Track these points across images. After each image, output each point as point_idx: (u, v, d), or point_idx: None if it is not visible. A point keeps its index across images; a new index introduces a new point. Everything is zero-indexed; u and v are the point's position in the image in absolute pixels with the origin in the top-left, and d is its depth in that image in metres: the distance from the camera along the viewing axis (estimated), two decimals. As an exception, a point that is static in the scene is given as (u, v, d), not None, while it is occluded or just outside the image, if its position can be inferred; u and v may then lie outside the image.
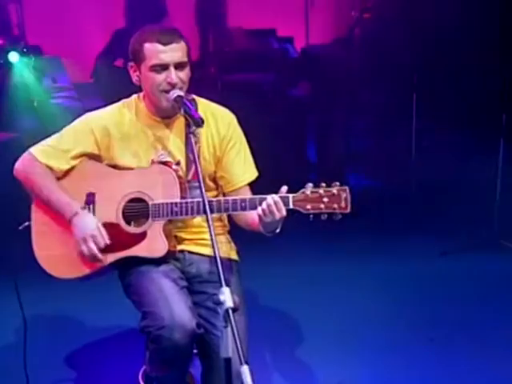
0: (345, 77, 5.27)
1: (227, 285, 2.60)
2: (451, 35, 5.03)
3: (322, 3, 7.97)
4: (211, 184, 2.65)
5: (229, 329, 2.10)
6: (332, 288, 4.22)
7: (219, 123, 2.63)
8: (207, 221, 2.20)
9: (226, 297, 2.13)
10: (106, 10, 6.42)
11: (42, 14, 7.49)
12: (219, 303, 2.14)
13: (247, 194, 2.59)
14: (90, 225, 2.48)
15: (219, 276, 2.15)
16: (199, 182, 2.27)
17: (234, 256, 2.73)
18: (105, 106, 2.66)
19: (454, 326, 3.73)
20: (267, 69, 5.95)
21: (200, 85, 6.37)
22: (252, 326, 3.73)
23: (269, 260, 4.51)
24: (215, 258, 2.16)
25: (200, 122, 2.35)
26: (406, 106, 4.97)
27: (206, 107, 2.64)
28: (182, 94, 2.46)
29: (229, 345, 2.10)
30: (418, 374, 3.31)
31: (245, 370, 2.04)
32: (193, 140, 2.36)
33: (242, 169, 2.65)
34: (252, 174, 2.68)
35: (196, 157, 2.32)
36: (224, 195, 2.64)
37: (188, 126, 2.38)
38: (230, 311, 2.10)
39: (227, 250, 2.70)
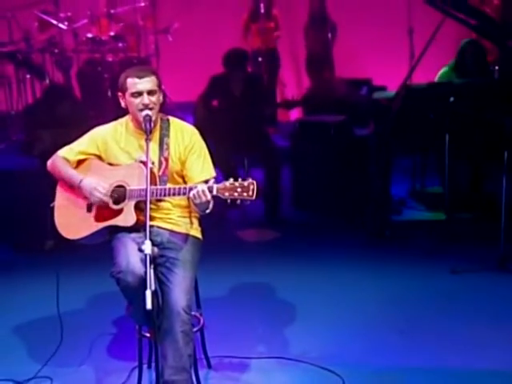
0: (397, 119, 6.02)
1: (180, 250, 3.62)
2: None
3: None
4: (178, 179, 3.65)
5: (150, 270, 3.15)
6: (338, 291, 4.96)
7: (185, 136, 3.66)
8: (146, 201, 3.27)
9: (147, 247, 3.17)
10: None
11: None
12: (141, 250, 3.22)
13: None
14: (93, 182, 3.58)
15: (146, 235, 3.18)
16: (146, 174, 3.35)
17: (195, 233, 3.69)
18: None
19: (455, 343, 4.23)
20: (343, 112, 6.86)
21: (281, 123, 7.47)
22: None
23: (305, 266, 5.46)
24: (145, 224, 3.22)
25: (148, 133, 3.44)
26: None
27: (177, 125, 3.69)
28: (150, 113, 3.52)
29: (152, 280, 3.13)
30: None
31: (147, 293, 3.06)
32: (149, 144, 3.43)
33: (201, 169, 3.62)
34: (208, 173, 3.63)
35: (148, 157, 3.39)
36: None
37: (146, 134, 3.46)
38: (148, 256, 3.15)
39: (188, 227, 3.67)
